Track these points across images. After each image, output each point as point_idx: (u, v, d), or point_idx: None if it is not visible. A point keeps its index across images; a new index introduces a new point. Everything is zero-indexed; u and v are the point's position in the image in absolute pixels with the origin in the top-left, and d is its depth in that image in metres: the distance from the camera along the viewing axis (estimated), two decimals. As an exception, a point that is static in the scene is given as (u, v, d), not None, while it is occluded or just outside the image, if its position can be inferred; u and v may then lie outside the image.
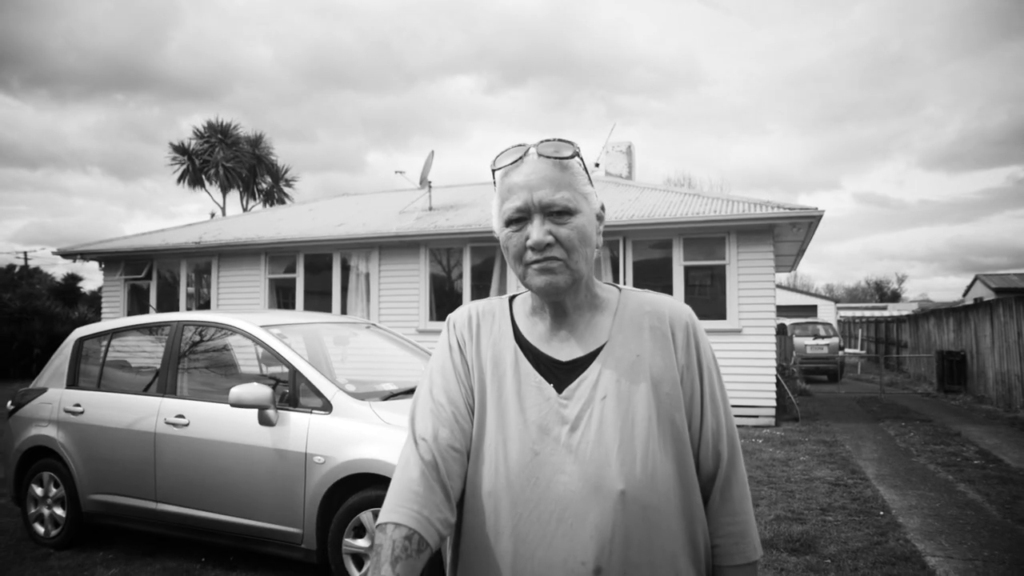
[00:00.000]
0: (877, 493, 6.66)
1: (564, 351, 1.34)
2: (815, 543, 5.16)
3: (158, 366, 5.21)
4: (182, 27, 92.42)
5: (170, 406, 4.93)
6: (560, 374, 1.32)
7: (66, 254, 16.57)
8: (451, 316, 1.45)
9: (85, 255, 16.43)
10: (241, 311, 5.47)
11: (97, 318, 26.46)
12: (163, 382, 5.09)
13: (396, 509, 1.20)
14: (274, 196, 31.04)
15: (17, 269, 52.92)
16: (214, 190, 29.60)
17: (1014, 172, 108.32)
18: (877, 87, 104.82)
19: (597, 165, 17.31)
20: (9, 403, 5.89)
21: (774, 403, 11.30)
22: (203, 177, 28.69)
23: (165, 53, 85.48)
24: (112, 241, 16.59)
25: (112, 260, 16.15)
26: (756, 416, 11.20)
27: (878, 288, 76.67)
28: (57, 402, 5.49)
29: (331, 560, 4.22)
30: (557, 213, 1.27)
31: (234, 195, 30.37)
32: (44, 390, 5.68)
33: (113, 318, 15.93)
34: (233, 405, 4.39)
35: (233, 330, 5.06)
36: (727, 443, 1.34)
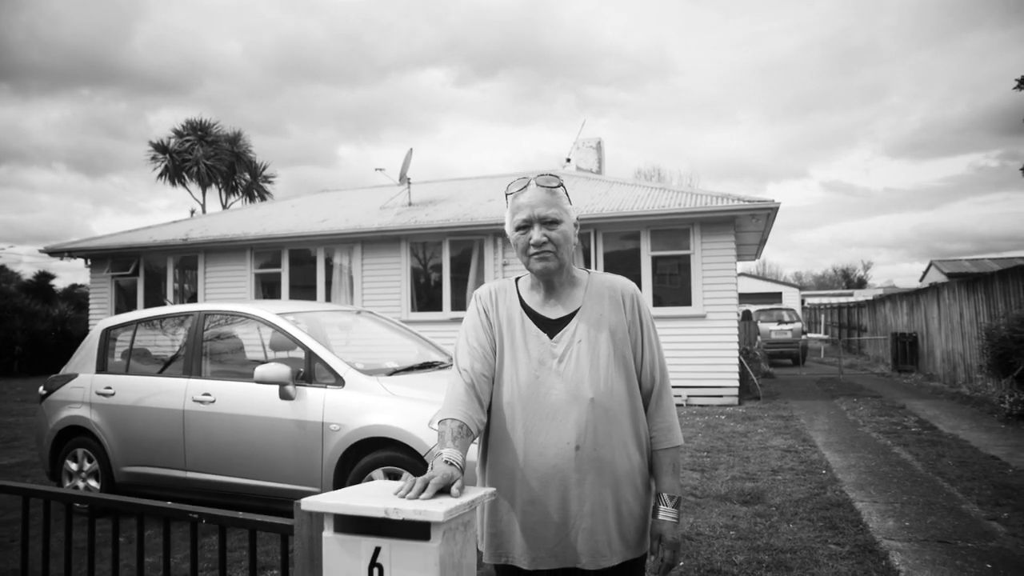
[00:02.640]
0: (823, 457, 7.47)
1: (553, 312, 2.07)
2: (764, 496, 5.94)
3: (182, 351, 5.85)
4: (148, 20, 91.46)
5: (196, 386, 5.57)
6: (551, 327, 2.05)
7: (53, 252, 16.97)
8: (477, 292, 2.16)
9: (72, 253, 16.84)
10: (253, 302, 6.12)
11: (77, 315, 26.75)
12: (188, 365, 5.74)
13: (450, 411, 1.91)
14: (253, 192, 31.52)
15: (-16, 268, 52.59)
16: (193, 187, 30.05)
17: (975, 160, 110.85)
18: (844, 76, 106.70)
19: (568, 160, 18.05)
20: (41, 388, 6.49)
21: (737, 383, 12.12)
22: (183, 174, 29.11)
23: (131, 46, 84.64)
24: (99, 239, 17.00)
25: (99, 257, 16.57)
26: (720, 396, 12.02)
27: (845, 275, 78.19)
28: (88, 386, 6.11)
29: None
30: (549, 223, 1.99)
31: (212, 191, 30.81)
32: (75, 375, 6.29)
33: (100, 314, 16.43)
34: (258, 382, 5.06)
35: (252, 318, 5.72)
36: (659, 371, 2.07)
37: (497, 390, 2.02)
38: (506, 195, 2.09)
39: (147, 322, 6.31)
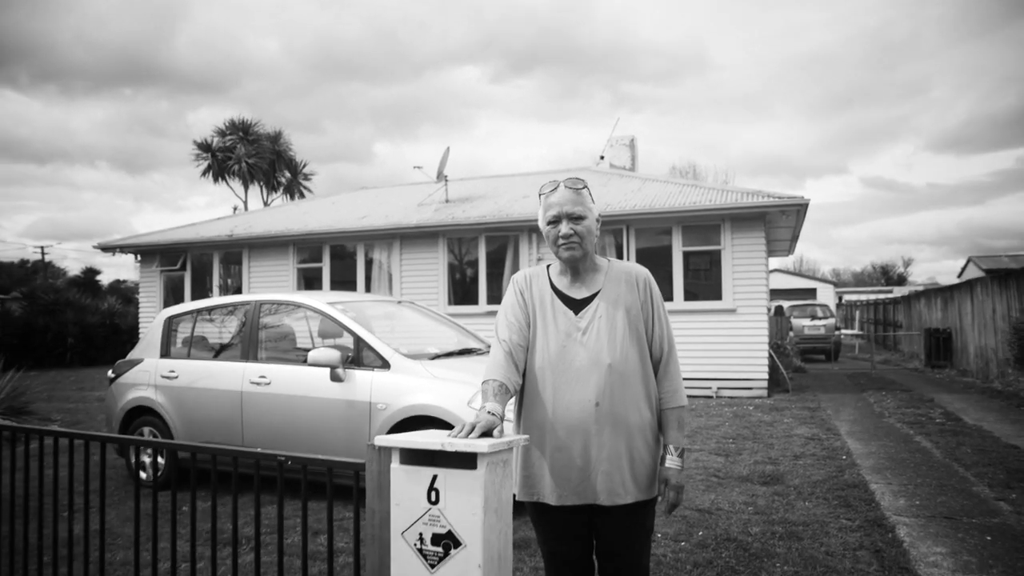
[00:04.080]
0: (845, 444, 7.75)
1: (578, 293, 2.45)
2: (784, 478, 6.26)
3: (240, 337, 6.33)
4: (190, 20, 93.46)
5: (253, 369, 6.05)
6: (576, 305, 2.43)
7: (106, 248, 17.74)
8: (514, 276, 2.55)
9: (124, 248, 17.59)
10: (305, 292, 6.57)
11: (124, 308, 27.70)
12: (245, 350, 6.22)
13: (492, 373, 2.30)
14: (293, 190, 32.39)
15: (30, 264, 54.28)
16: (236, 184, 30.97)
17: (1023, 154, 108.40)
18: (885, 70, 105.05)
19: (602, 158, 18.37)
20: (110, 372, 7.02)
21: (766, 376, 12.37)
22: (226, 173, 30.05)
23: (173, 47, 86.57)
24: (149, 235, 17.70)
25: (149, 253, 17.29)
26: (750, 388, 12.28)
27: (884, 272, 77.14)
28: (153, 369, 6.62)
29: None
30: (575, 218, 2.37)
31: (254, 189, 31.71)
32: (140, 360, 6.81)
33: (150, 306, 17.16)
34: (311, 365, 5.52)
35: (305, 307, 6.18)
36: (667, 342, 2.45)
37: (531, 357, 2.41)
38: (539, 195, 2.48)
39: (206, 311, 6.81)
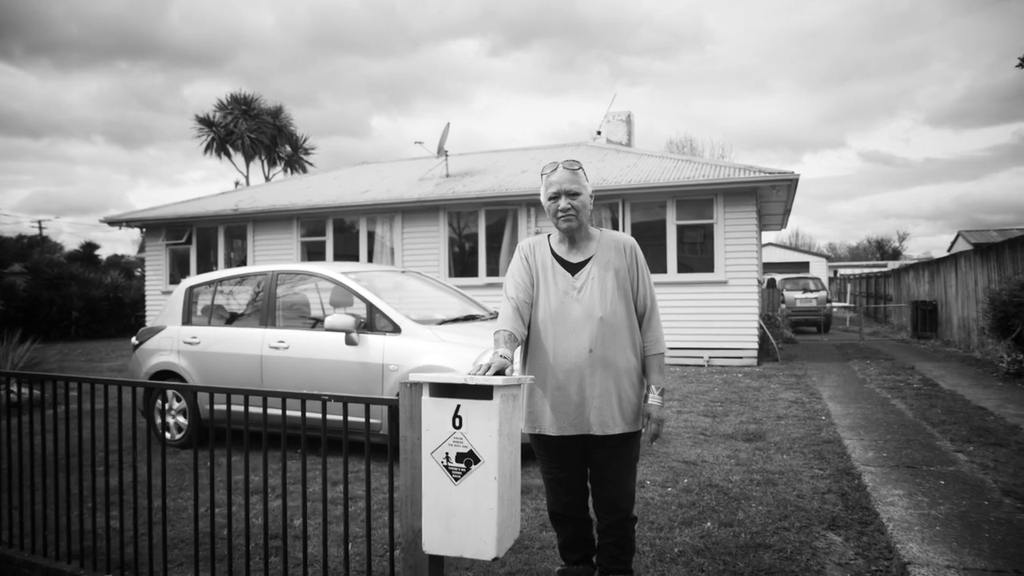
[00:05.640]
0: (825, 407, 8.24)
1: (574, 258, 2.90)
2: (766, 435, 6.75)
3: (258, 305, 6.77)
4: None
5: (272, 334, 6.49)
6: (572, 268, 2.88)
7: (112, 222, 18.11)
8: (520, 244, 3.00)
9: (130, 222, 17.98)
10: (320, 263, 6.99)
11: (127, 282, 28.09)
12: (263, 317, 6.65)
13: (502, 325, 2.74)
14: (294, 164, 32.73)
15: (26, 239, 54.45)
16: (238, 159, 31.29)
17: (1021, 128, 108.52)
18: (884, 43, 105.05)
19: (599, 133, 18.73)
20: (134, 339, 7.46)
21: (756, 346, 12.86)
22: (228, 147, 30.38)
23: (168, 20, 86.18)
24: (154, 209, 18.07)
25: (154, 227, 17.67)
26: (740, 357, 12.77)
27: (879, 246, 77.62)
28: (176, 336, 7.06)
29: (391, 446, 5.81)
30: (572, 194, 2.81)
31: (255, 163, 32.04)
32: (163, 328, 7.24)
33: (156, 279, 17.59)
34: (328, 330, 5.97)
35: (321, 277, 6.62)
36: (650, 299, 2.91)
37: (534, 312, 2.86)
38: (541, 175, 2.91)
39: (226, 281, 7.24)
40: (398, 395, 2.60)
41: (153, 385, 3.65)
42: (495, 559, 2.43)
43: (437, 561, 2.60)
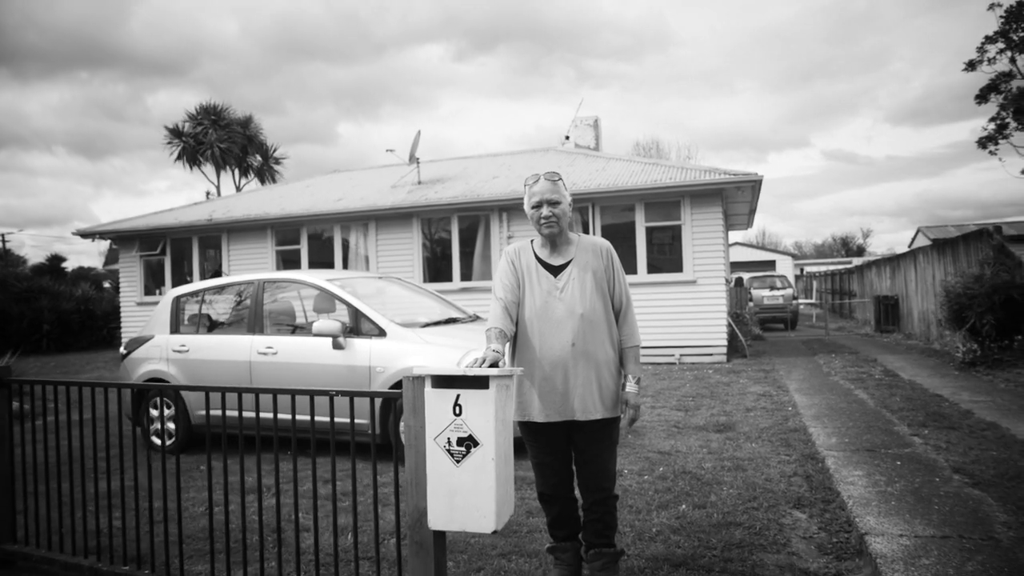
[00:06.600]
0: (792, 398, 8.62)
1: (556, 261, 3.20)
2: (736, 426, 7.09)
3: (246, 312, 6.98)
4: (145, 2, 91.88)
5: (260, 341, 6.71)
6: (554, 270, 3.18)
7: (84, 234, 18.10)
8: (505, 249, 3.29)
9: (104, 235, 17.99)
10: (306, 271, 7.22)
11: (99, 294, 27.89)
12: (251, 324, 6.87)
13: (493, 322, 3.03)
14: (264, 173, 32.77)
15: (-10, 254, 53.51)
16: (208, 169, 31.29)
17: (977, 126, 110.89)
18: (845, 43, 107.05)
19: (567, 138, 19.09)
20: (122, 348, 7.62)
21: (725, 343, 13.26)
22: (198, 157, 30.35)
23: (129, 28, 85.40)
24: (127, 221, 18.07)
25: (127, 238, 17.69)
26: (711, 355, 13.16)
27: (844, 244, 79.01)
28: (165, 344, 7.25)
29: (391, 438, 6.05)
30: (553, 203, 3.10)
31: (226, 173, 31.99)
32: (151, 337, 7.42)
33: (130, 291, 17.60)
34: (315, 335, 6.20)
35: (305, 284, 6.85)
36: (625, 297, 3.21)
37: (521, 311, 3.15)
38: (524, 185, 3.20)
39: (212, 290, 7.44)
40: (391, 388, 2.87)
41: (148, 387, 3.87)
42: (494, 532, 2.71)
43: (440, 537, 2.88)
